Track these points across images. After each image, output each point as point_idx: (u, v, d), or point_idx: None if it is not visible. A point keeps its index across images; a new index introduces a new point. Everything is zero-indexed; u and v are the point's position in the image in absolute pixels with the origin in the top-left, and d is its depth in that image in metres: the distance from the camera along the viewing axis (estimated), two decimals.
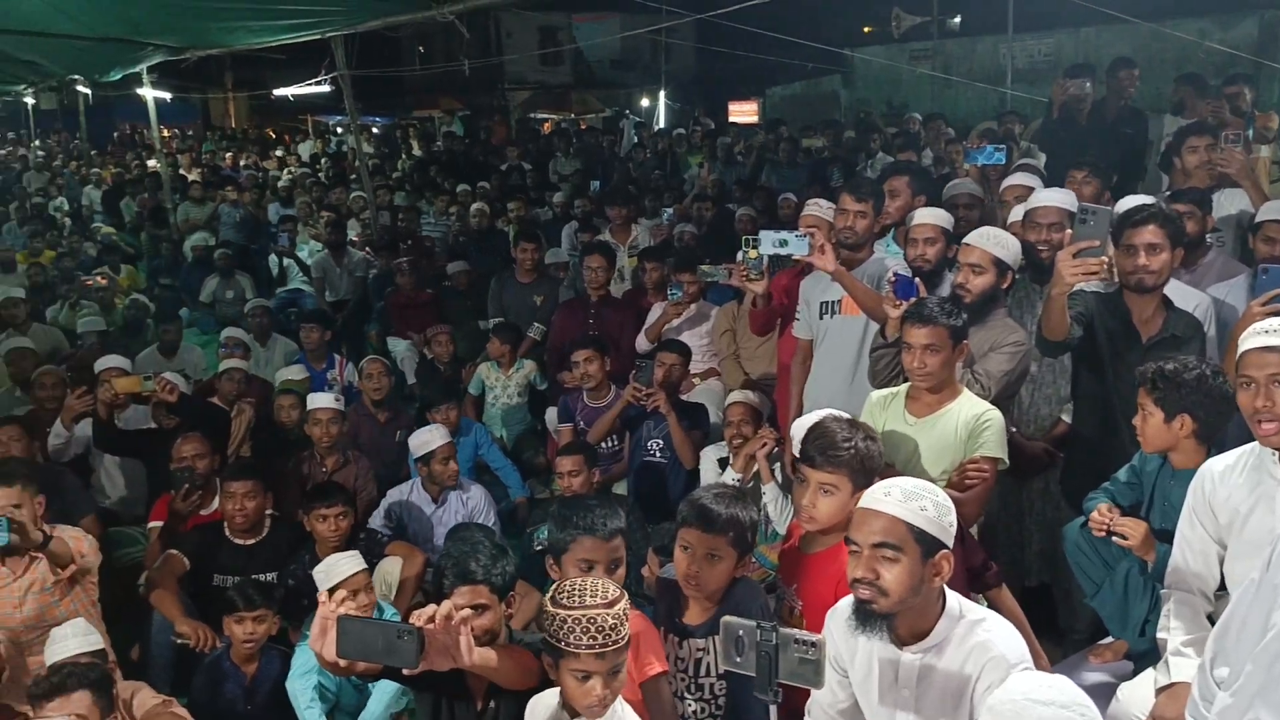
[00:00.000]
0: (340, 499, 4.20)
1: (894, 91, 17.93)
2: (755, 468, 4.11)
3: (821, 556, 2.88)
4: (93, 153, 18.90)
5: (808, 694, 2.53)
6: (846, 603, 2.35)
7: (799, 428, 3.22)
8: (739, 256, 4.09)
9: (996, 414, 3.20)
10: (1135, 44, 12.24)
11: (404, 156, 17.48)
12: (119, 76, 11.95)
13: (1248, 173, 4.28)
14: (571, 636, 2.13)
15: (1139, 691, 2.78)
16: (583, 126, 22.01)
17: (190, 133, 25.37)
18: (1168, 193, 4.62)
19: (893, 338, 3.50)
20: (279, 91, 13.12)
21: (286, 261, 9.92)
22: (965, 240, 3.69)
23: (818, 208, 4.70)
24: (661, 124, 19.09)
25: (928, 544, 2.20)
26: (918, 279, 3.54)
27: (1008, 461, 3.23)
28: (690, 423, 4.97)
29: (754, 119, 20.97)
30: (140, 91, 11.91)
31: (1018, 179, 4.83)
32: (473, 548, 2.66)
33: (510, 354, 6.34)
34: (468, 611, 2.21)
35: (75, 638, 3.36)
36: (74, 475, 5.05)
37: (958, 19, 19.08)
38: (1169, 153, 5.19)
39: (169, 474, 4.67)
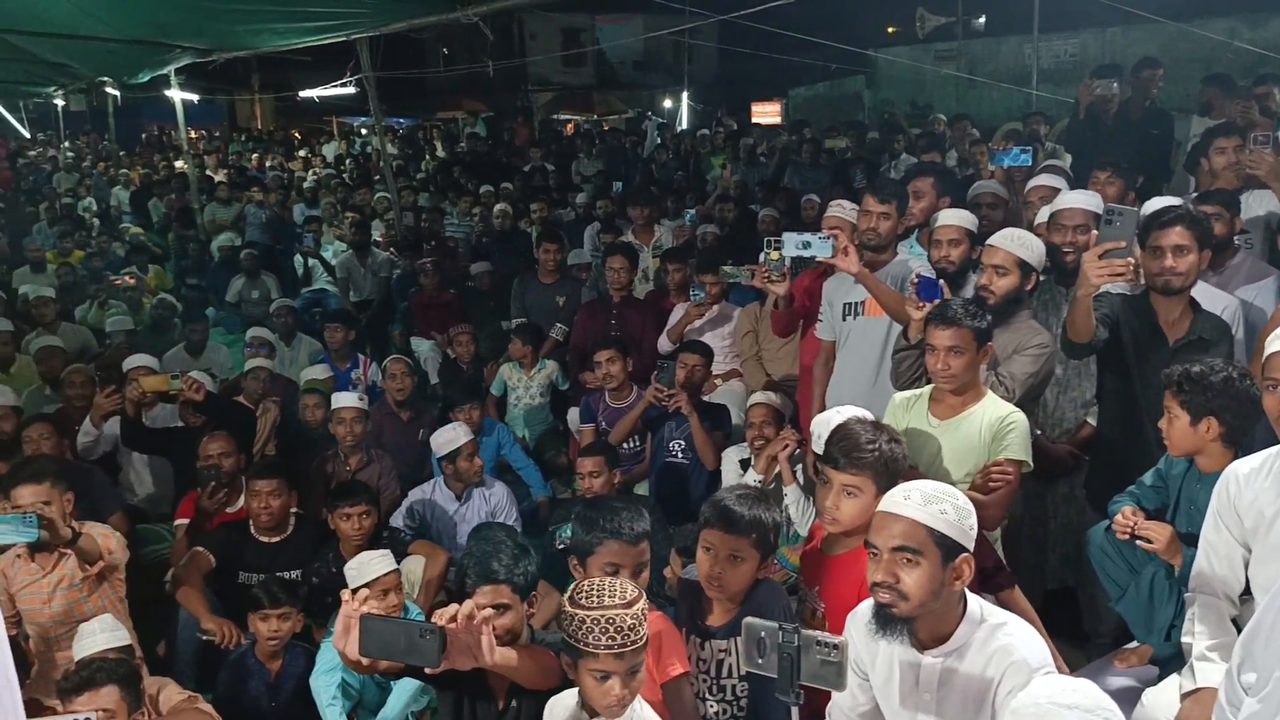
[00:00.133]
0: (364, 498, 4.22)
1: (918, 92, 17.84)
2: (777, 469, 4.11)
3: (844, 559, 2.87)
4: (121, 154, 19.13)
5: (829, 696, 2.52)
6: (867, 606, 2.34)
7: (819, 424, 3.22)
8: (761, 258, 4.09)
9: (1020, 416, 3.18)
10: (1162, 43, 12.12)
11: (428, 157, 17.57)
12: (147, 78, 12.08)
13: (1277, 174, 4.24)
14: (590, 637, 2.13)
15: (1164, 697, 2.75)
16: (605, 128, 22.05)
17: (217, 134, 25.61)
18: (1195, 194, 4.58)
19: (915, 340, 3.49)
20: (305, 93, 13.21)
21: (311, 262, 10.01)
22: (989, 241, 3.67)
23: (840, 209, 4.69)
24: (684, 125, 19.09)
25: (948, 548, 2.19)
26: (941, 281, 3.53)
27: (1032, 464, 3.21)
28: (712, 424, 4.97)
29: (777, 120, 20.94)
30: (168, 93, 12.06)
31: (1043, 180, 4.81)
32: (495, 547, 2.67)
33: (532, 355, 6.36)
34: (489, 611, 2.22)
35: (103, 633, 3.39)
36: (102, 473, 5.11)
37: (982, 19, 18.96)
38: (1196, 154, 5.14)
39: (195, 472, 4.71)
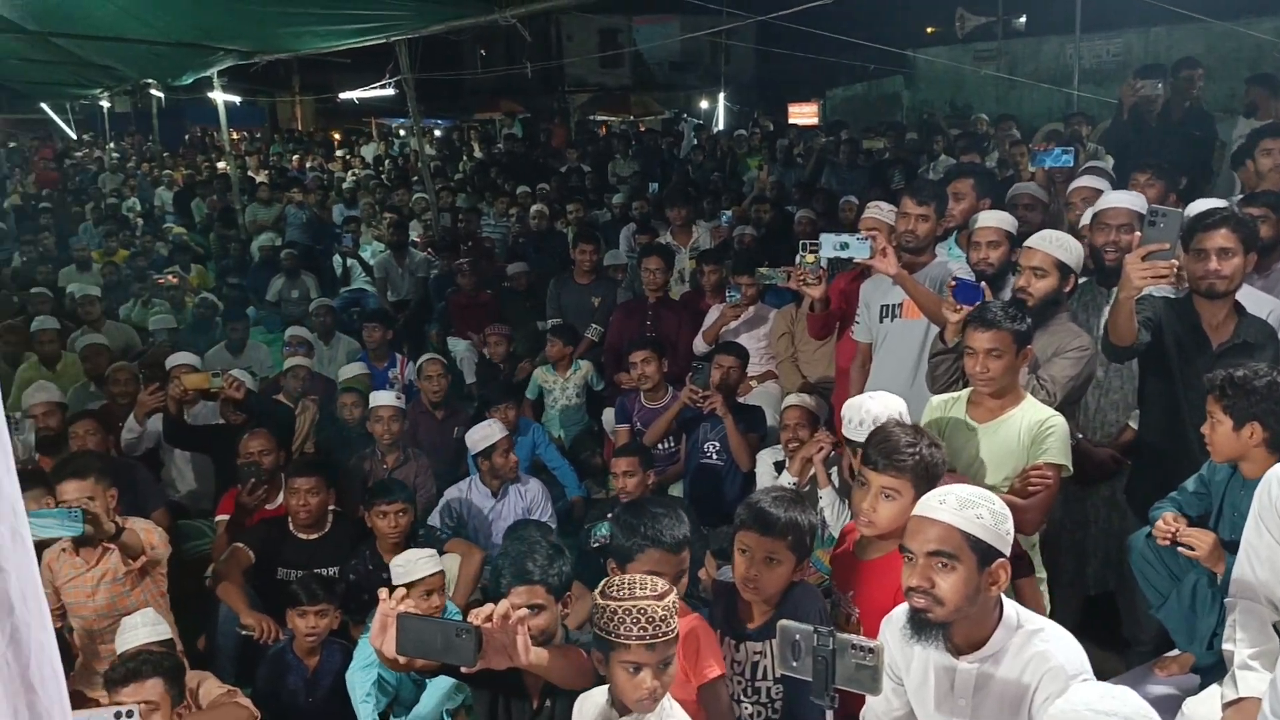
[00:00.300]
0: (400, 496, 4.25)
1: (957, 92, 17.70)
2: (811, 472, 4.09)
3: (879, 564, 2.85)
4: (165, 155, 19.40)
5: (863, 699, 2.51)
6: (902, 610, 2.33)
7: (852, 408, 3.19)
8: (797, 260, 4.08)
9: (1060, 420, 3.15)
10: (1207, 43, 11.94)
11: (465, 159, 17.67)
12: (190, 80, 12.24)
13: None
14: (622, 628, 2.14)
15: (1205, 706, 2.71)
16: (641, 129, 22.06)
17: (258, 135, 25.91)
18: (1241, 196, 4.51)
19: (952, 343, 3.46)
20: (344, 95, 13.32)
21: (350, 262, 10.09)
22: (1027, 243, 3.63)
23: (878, 210, 4.66)
24: (720, 126, 19.07)
25: (984, 552, 2.17)
26: (983, 283, 3.49)
27: (1071, 468, 3.17)
28: (747, 425, 4.96)
29: (814, 121, 20.85)
30: (211, 95, 12.21)
31: (1086, 181, 4.75)
32: (530, 547, 2.68)
33: (568, 355, 6.38)
34: (524, 611, 2.23)
35: (145, 627, 3.45)
36: (145, 469, 5.18)
37: (1023, 19, 18.76)
38: (1241, 155, 5.06)
39: (236, 469, 4.78)
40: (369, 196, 13.14)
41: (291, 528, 4.39)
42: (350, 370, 6.34)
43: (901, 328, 4.08)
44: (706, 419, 5.06)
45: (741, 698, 2.80)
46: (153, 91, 14.30)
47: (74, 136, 22.00)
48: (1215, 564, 2.79)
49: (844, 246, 3.75)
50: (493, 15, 7.12)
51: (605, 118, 27.77)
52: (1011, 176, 6.56)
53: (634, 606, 2.14)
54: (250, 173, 16.56)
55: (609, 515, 4.51)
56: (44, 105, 19.54)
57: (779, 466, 4.52)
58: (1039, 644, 2.21)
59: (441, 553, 4.30)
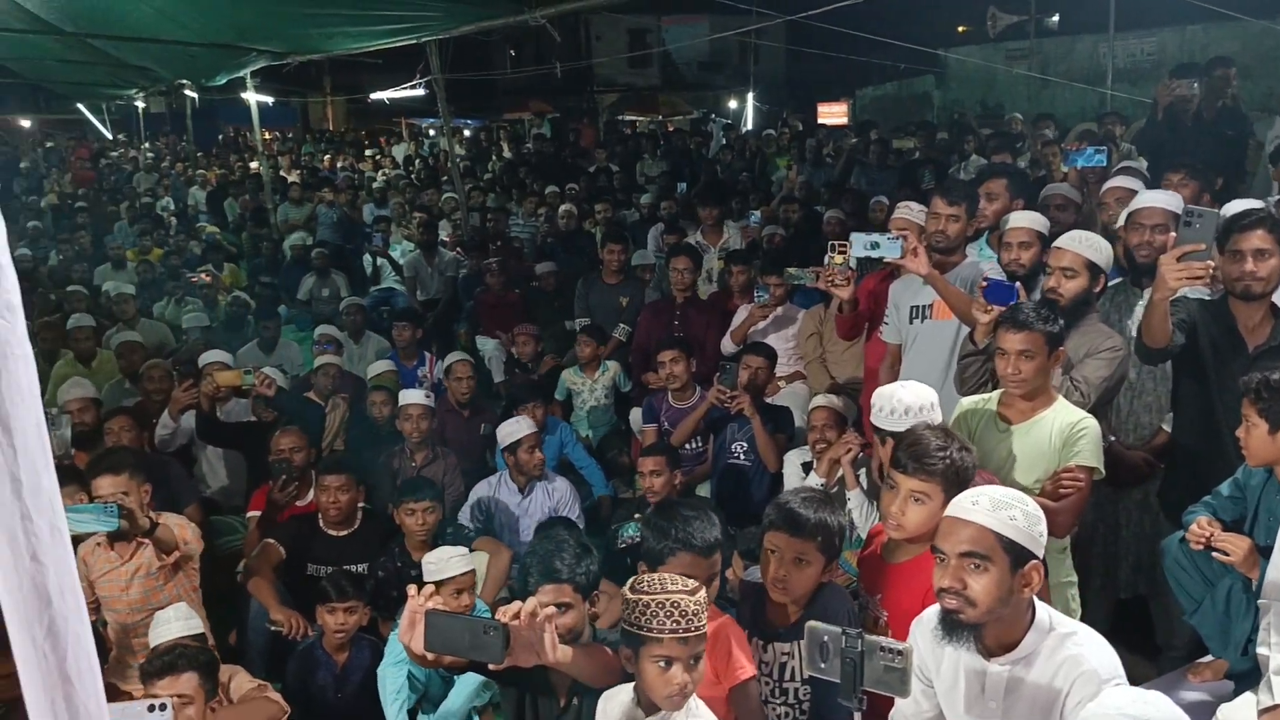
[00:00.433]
0: (428, 494, 4.27)
1: (989, 92, 17.55)
2: (839, 473, 4.08)
3: (907, 566, 2.84)
4: (198, 155, 19.60)
5: (891, 701, 2.50)
6: (932, 612, 2.32)
7: (882, 396, 3.17)
8: (825, 260, 4.06)
9: (1093, 422, 3.12)
10: (1244, 42, 11.77)
11: (494, 158, 17.74)
12: (224, 81, 12.36)
13: None
14: (655, 621, 2.14)
15: (1240, 713, 2.68)
16: (670, 129, 22.05)
17: (290, 135, 26.12)
18: (1278, 197, 4.45)
19: (982, 344, 3.44)
20: (375, 95, 13.42)
21: (380, 261, 10.16)
22: (1056, 244, 3.60)
23: (908, 210, 4.64)
24: (749, 126, 19.03)
25: (1017, 554, 2.15)
26: (1018, 283, 3.46)
27: (1104, 471, 3.14)
28: (774, 426, 4.94)
29: (844, 120, 20.75)
30: (244, 95, 12.32)
31: (1119, 181, 4.70)
32: (557, 546, 2.69)
33: (598, 356, 6.39)
34: (552, 609, 2.24)
35: (177, 621, 3.49)
36: (179, 465, 5.24)
37: (1056, 17, 18.58)
38: (1279, 155, 4.99)
39: (267, 465, 4.82)
40: (399, 196, 13.22)
41: (322, 524, 4.43)
42: (378, 368, 6.38)
43: (932, 329, 4.06)
44: (734, 419, 5.05)
45: (769, 699, 2.79)
46: (187, 92, 14.44)
47: (109, 137, 22.28)
48: (1250, 569, 2.76)
49: (874, 246, 3.74)
50: (523, 16, 7.15)
51: (634, 118, 27.79)
52: (1044, 177, 6.50)
53: (666, 600, 2.15)
54: (282, 172, 16.70)
55: (636, 516, 4.51)
56: (80, 106, 19.81)
57: (806, 467, 4.51)
58: (1072, 647, 2.19)
59: (470, 550, 4.34)
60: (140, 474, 3.81)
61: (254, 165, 16.73)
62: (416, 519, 4.21)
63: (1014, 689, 2.23)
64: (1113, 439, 3.65)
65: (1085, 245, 3.50)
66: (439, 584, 3.49)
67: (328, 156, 20.05)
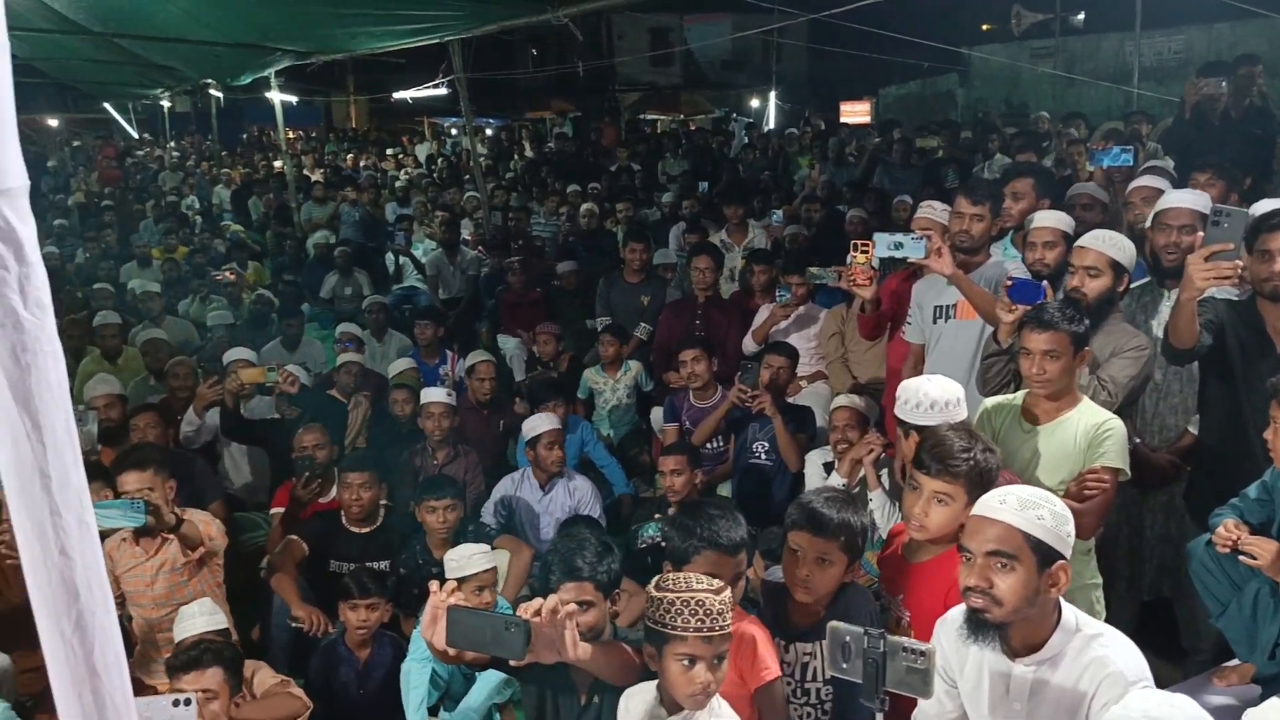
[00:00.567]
0: (449, 492, 4.28)
1: (1013, 91, 17.44)
2: (861, 473, 4.06)
3: (929, 566, 2.83)
4: (223, 154, 19.75)
5: (914, 702, 2.49)
6: (957, 611, 2.30)
7: (908, 389, 3.15)
8: (848, 259, 4.05)
9: (1118, 423, 3.09)
10: (1272, 40, 11.65)
11: (516, 157, 17.78)
12: (249, 80, 12.46)
13: None
14: (680, 619, 2.14)
15: (1267, 718, 2.64)
16: (691, 128, 22.03)
17: (314, 134, 26.27)
18: None
19: (1005, 343, 3.42)
20: (398, 94, 13.49)
21: (403, 259, 10.19)
22: (1079, 243, 3.57)
23: (931, 210, 4.62)
24: (771, 124, 19.00)
25: (1044, 554, 2.14)
26: (1045, 282, 3.44)
27: (1129, 473, 3.11)
28: (796, 425, 4.93)
29: (866, 119, 20.67)
30: (268, 95, 12.40)
31: (1146, 181, 4.65)
32: (579, 544, 2.69)
33: (621, 356, 6.39)
34: (573, 607, 2.24)
35: (202, 616, 3.51)
36: (204, 461, 5.27)
37: (1081, 15, 18.44)
38: None
39: (290, 462, 4.85)
40: (421, 195, 13.27)
41: (344, 521, 4.45)
42: (400, 366, 6.41)
43: (955, 329, 4.04)
44: (755, 419, 5.04)
45: (791, 699, 2.78)
46: (212, 91, 14.56)
47: (135, 136, 22.48)
48: (1277, 573, 2.73)
49: (898, 246, 3.72)
50: (545, 15, 7.16)
51: (655, 117, 27.78)
52: (1069, 176, 6.45)
53: (691, 598, 2.15)
54: (306, 171, 16.79)
55: (656, 516, 4.52)
56: (107, 105, 20.01)
57: (828, 467, 4.49)
58: (1098, 649, 2.17)
59: (491, 548, 4.35)
60: (165, 470, 3.84)
61: (278, 164, 16.84)
62: (437, 517, 4.22)
63: (1039, 690, 2.22)
64: (1137, 441, 3.62)
65: (1109, 244, 3.48)
66: (460, 581, 3.50)
67: (350, 155, 20.14)
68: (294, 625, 4.09)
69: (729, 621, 2.18)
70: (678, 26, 29.17)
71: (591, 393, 6.46)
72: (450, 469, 5.09)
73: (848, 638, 2.12)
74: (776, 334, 5.70)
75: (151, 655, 3.92)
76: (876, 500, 3.93)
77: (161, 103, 18.78)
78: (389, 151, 20.95)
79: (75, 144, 22.82)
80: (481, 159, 13.34)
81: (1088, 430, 3.08)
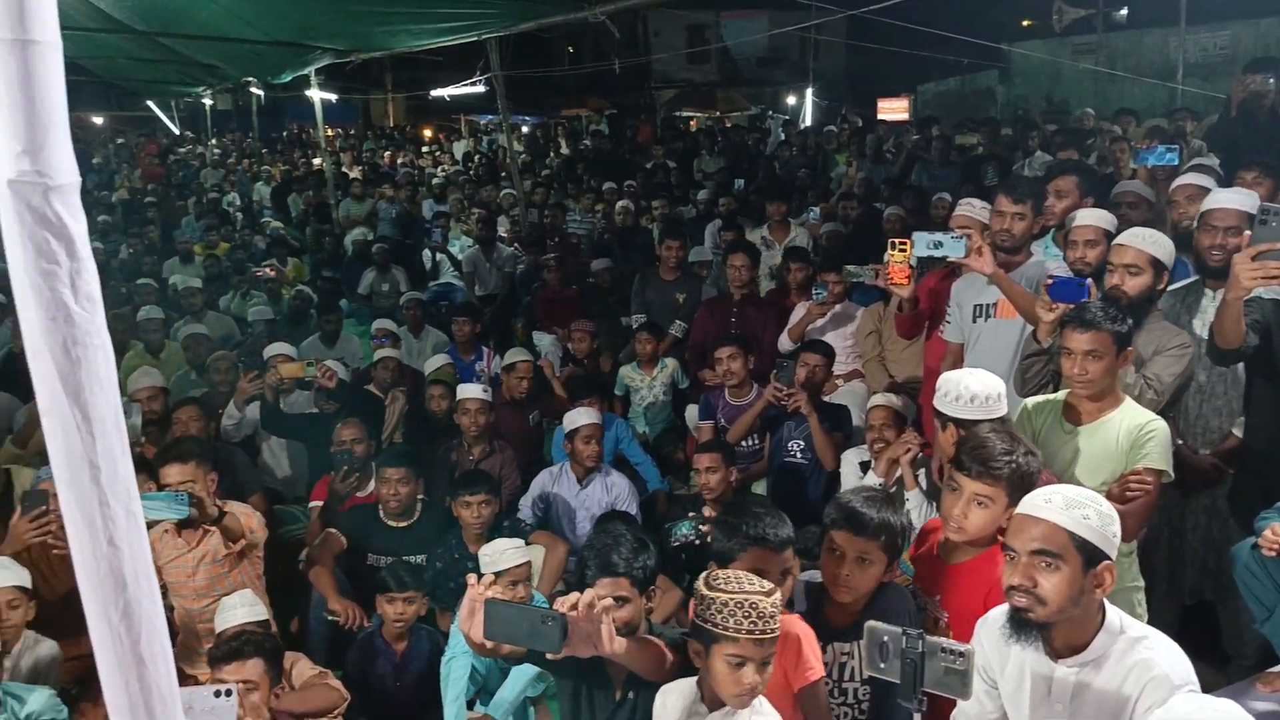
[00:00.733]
0: (484, 487, 4.30)
1: (1054, 87, 17.22)
2: (898, 473, 4.03)
3: (968, 567, 2.80)
4: (263, 151, 19.97)
5: (953, 703, 2.46)
6: (999, 611, 2.28)
7: (948, 381, 3.12)
8: (885, 257, 4.02)
9: (1161, 424, 3.04)
10: None
11: (552, 155, 17.82)
12: (289, 78, 12.58)
13: None
14: (732, 620, 2.13)
15: None
16: (727, 125, 21.97)
17: (352, 132, 26.49)
18: None
19: (1046, 343, 3.37)
20: (436, 92, 13.58)
21: (439, 256, 10.24)
22: (1118, 241, 3.52)
23: (970, 208, 4.57)
24: (808, 121, 18.91)
25: (1089, 554, 2.11)
26: (1089, 281, 3.39)
27: (1172, 474, 3.07)
28: (832, 424, 4.91)
29: (904, 116, 20.50)
30: (308, 93, 12.52)
31: (1190, 178, 4.57)
32: (615, 540, 2.69)
33: (657, 352, 6.39)
34: (609, 601, 2.25)
35: (243, 607, 3.56)
36: (244, 454, 5.34)
37: (1124, 11, 18.18)
38: None
39: (329, 456, 4.90)
40: (458, 192, 13.33)
41: (382, 515, 4.49)
42: (436, 362, 6.45)
43: (995, 328, 3.99)
44: (791, 417, 5.02)
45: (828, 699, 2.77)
46: (253, 89, 14.71)
47: (178, 133, 22.77)
48: None
49: (937, 245, 3.69)
50: (583, 12, 7.18)
51: (691, 114, 27.73)
52: (1111, 174, 6.36)
53: (745, 600, 2.14)
54: (344, 169, 16.94)
55: (691, 514, 4.51)
56: (150, 103, 20.26)
57: (864, 466, 4.47)
58: (1142, 651, 2.15)
59: (527, 544, 4.37)
60: (207, 463, 3.89)
61: (317, 161, 16.99)
62: (472, 512, 4.24)
63: (1081, 693, 2.19)
64: (1180, 443, 3.57)
65: (1149, 241, 3.43)
66: (495, 575, 3.52)
67: (388, 153, 20.29)
68: (331, 619, 4.13)
69: (778, 625, 2.18)
70: (714, 23, 29.09)
71: (627, 390, 6.46)
72: (486, 465, 5.12)
73: (885, 637, 2.11)
74: (813, 332, 5.67)
75: (192, 645, 3.98)
76: (913, 500, 3.91)
77: (204, 100, 18.99)
78: (425, 149, 21.08)
79: (119, 141, 23.15)
80: (518, 156, 13.38)
81: (1130, 431, 3.03)
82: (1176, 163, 5.02)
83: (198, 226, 12.40)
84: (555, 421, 5.85)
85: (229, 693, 2.66)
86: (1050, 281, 3.37)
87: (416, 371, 6.61)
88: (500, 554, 3.66)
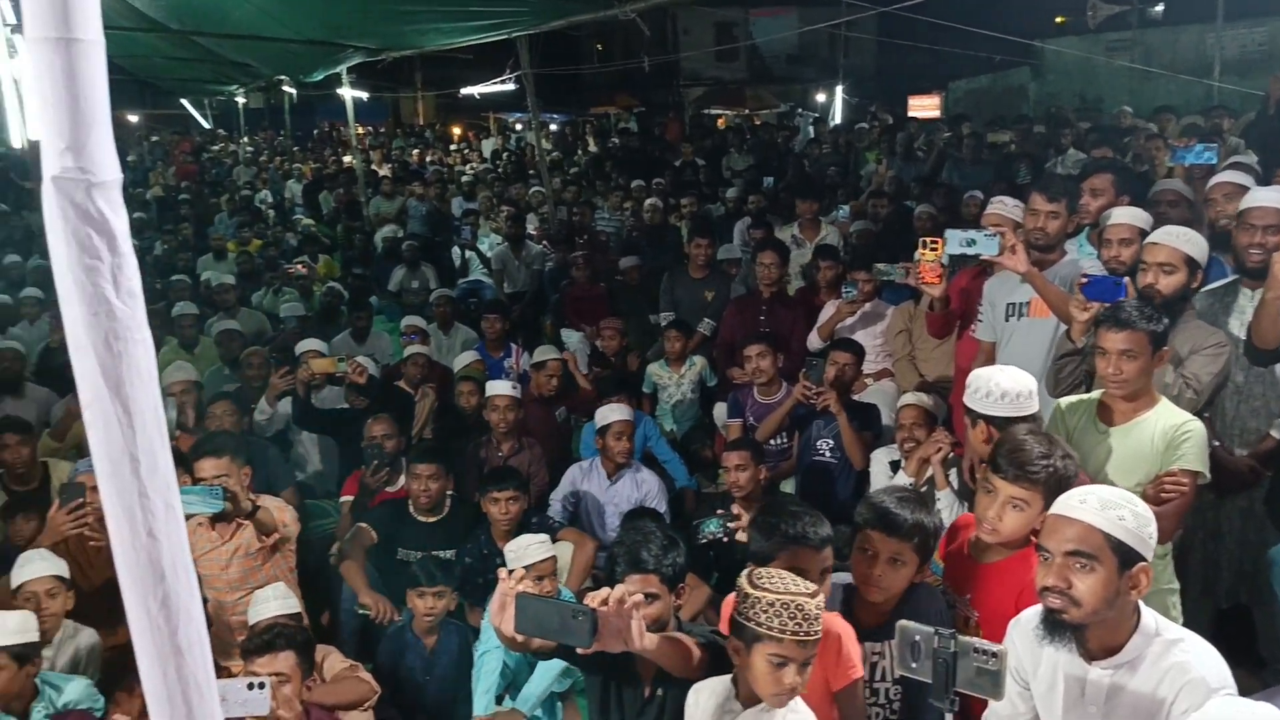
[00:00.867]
0: (512, 483, 4.32)
1: (1088, 85, 17.02)
2: (929, 472, 4.01)
3: (999, 567, 2.78)
4: (295, 149, 20.14)
5: (984, 703, 2.45)
6: (1032, 612, 2.26)
7: (978, 378, 3.10)
8: (916, 255, 3.99)
9: (1198, 424, 3.00)
10: None
11: (580, 153, 17.84)
12: (321, 77, 12.67)
13: None
14: (777, 621, 2.13)
15: None
16: (756, 122, 21.89)
17: (382, 130, 26.65)
18: None
19: (1080, 342, 3.34)
20: (465, 90, 13.62)
21: (468, 253, 10.29)
22: (1151, 239, 3.49)
23: (1002, 206, 4.54)
24: (838, 119, 18.83)
25: (1125, 555, 2.09)
26: (1126, 279, 3.36)
27: (1208, 476, 3.03)
28: (861, 423, 4.88)
29: (935, 113, 20.34)
30: (340, 91, 12.60)
31: (1228, 176, 4.51)
32: (645, 537, 2.69)
33: (685, 350, 6.39)
34: (639, 596, 2.24)
35: (276, 600, 3.60)
36: (277, 449, 5.39)
37: (1160, 7, 17.93)
38: None
39: (360, 452, 4.93)
40: (487, 190, 13.38)
41: (412, 510, 4.51)
42: (465, 359, 6.48)
43: (1028, 327, 3.96)
44: (820, 416, 5.00)
45: None
46: (285, 88, 14.83)
47: (211, 131, 22.99)
48: None
49: (970, 243, 3.66)
50: (612, 10, 7.17)
51: (720, 112, 27.66)
52: (1145, 172, 6.29)
53: (791, 600, 2.13)
54: (374, 167, 17.04)
55: (719, 511, 4.51)
56: (184, 101, 20.48)
57: (894, 466, 4.44)
58: (1179, 654, 2.12)
59: (555, 540, 4.38)
60: (240, 457, 3.93)
61: (348, 159, 17.10)
62: (500, 508, 4.26)
63: (1115, 695, 2.17)
64: (1215, 443, 3.52)
65: (1183, 240, 3.39)
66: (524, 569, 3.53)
67: (417, 151, 20.40)
68: (361, 612, 4.16)
69: (820, 627, 2.17)
70: (743, 21, 29.00)
71: (655, 387, 6.46)
72: (514, 461, 5.14)
73: (917, 637, 2.09)
74: (842, 330, 5.65)
75: (225, 637, 4.02)
76: (944, 500, 3.88)
77: (236, 99, 19.18)
78: (453, 147, 21.16)
79: (153, 139, 23.44)
80: (547, 154, 13.41)
81: (1166, 432, 3.00)
82: (1214, 161, 4.95)
83: (230, 223, 12.52)
84: (583, 418, 5.86)
85: (262, 685, 2.69)
86: (1085, 280, 3.34)
87: (446, 368, 6.64)
88: (525, 549, 3.68)
